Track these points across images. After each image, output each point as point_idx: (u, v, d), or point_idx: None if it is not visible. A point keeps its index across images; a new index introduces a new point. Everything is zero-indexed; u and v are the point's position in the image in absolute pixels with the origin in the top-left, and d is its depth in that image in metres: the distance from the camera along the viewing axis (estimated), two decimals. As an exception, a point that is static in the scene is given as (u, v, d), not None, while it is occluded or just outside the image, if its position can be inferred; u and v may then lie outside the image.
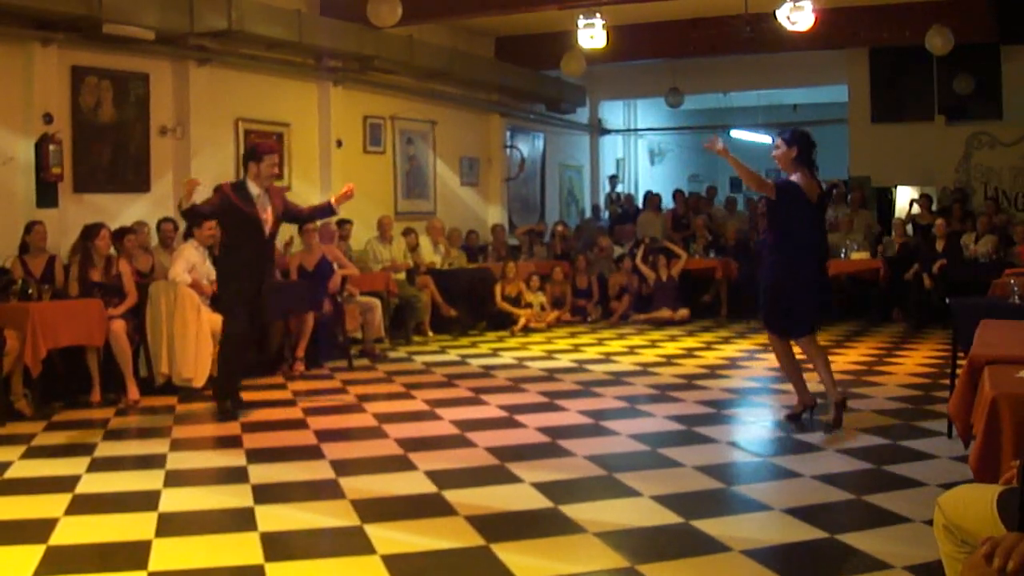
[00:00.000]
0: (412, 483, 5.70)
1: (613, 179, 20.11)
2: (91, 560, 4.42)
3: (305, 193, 12.35)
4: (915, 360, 10.15)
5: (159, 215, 10.12)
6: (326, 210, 8.52)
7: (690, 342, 11.87)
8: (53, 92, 9.45)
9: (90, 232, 8.56)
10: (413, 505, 5.29)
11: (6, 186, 9.18)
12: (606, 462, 6.12)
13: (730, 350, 11.18)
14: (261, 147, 8.06)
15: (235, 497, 5.43)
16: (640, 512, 5.09)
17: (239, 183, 7.88)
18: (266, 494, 5.47)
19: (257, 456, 6.38)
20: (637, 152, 21.93)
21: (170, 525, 4.92)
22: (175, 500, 5.39)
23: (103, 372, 8.34)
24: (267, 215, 7.76)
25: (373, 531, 4.78)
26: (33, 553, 4.45)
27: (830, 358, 9.96)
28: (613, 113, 20.84)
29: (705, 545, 4.54)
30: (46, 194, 9.33)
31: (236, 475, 5.93)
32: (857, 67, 16.48)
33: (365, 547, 4.56)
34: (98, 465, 6.19)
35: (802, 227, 6.99)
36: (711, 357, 10.67)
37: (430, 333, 12.50)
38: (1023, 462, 2.78)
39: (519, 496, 5.42)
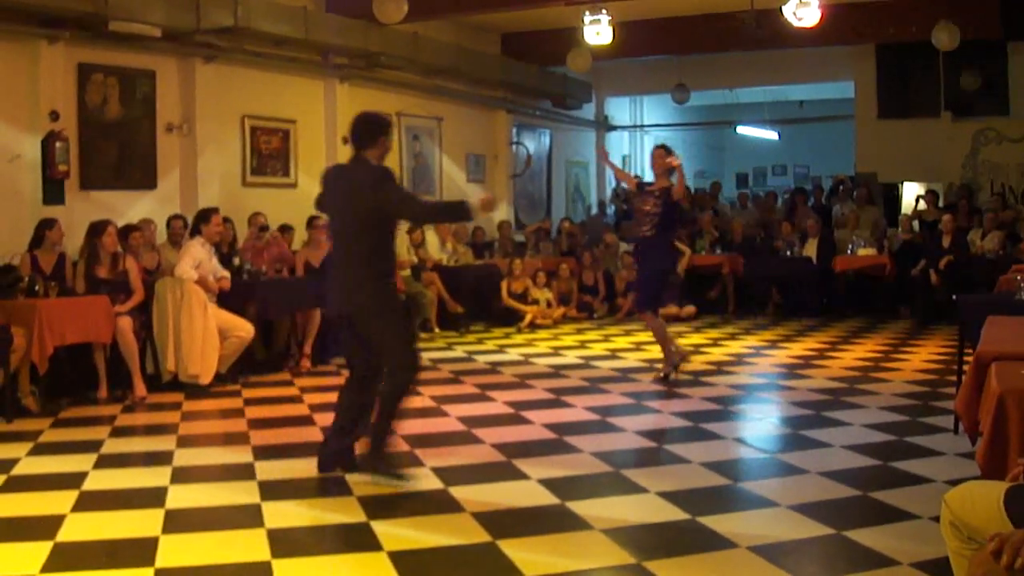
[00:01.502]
0: (418, 479, 5.70)
1: (619, 175, 20.07)
2: (98, 557, 4.43)
3: (311, 191, 12.36)
4: (921, 356, 10.14)
5: (166, 212, 10.12)
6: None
7: (696, 338, 11.86)
8: (59, 89, 9.46)
9: (97, 229, 8.56)
10: (419, 501, 5.30)
11: (13, 184, 9.19)
12: (612, 458, 6.12)
13: (736, 346, 11.17)
14: (383, 116, 6.10)
15: (242, 493, 5.44)
16: (646, 508, 5.09)
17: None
18: (273, 490, 5.48)
19: (264, 452, 6.39)
20: (643, 148, 21.89)
21: (177, 521, 4.93)
22: (182, 496, 5.40)
23: (110, 369, 8.35)
24: None
25: (380, 527, 4.78)
26: (40, 550, 4.47)
27: (837, 354, 10.03)
28: (619, 109, 20.81)
29: (711, 541, 4.54)
30: (53, 191, 9.35)
31: (243, 471, 5.94)
32: (863, 63, 16.45)
33: (372, 543, 4.56)
34: (105, 462, 6.21)
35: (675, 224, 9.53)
36: (717, 353, 10.66)
37: (436, 329, 12.50)
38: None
39: (525, 492, 5.42)
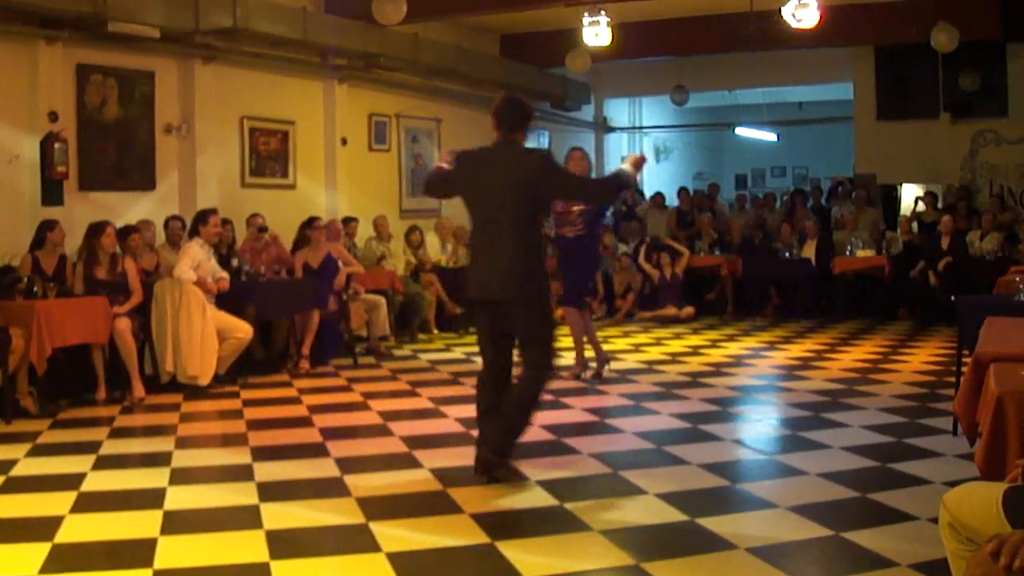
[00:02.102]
0: (417, 481, 5.71)
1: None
2: (97, 558, 4.43)
3: (310, 193, 12.38)
4: (920, 358, 10.14)
5: (164, 213, 10.11)
6: None
7: (695, 340, 11.86)
8: (58, 90, 9.46)
9: (95, 230, 8.56)
10: (418, 503, 5.29)
11: (12, 185, 9.19)
12: (611, 460, 6.12)
13: (735, 347, 11.17)
14: (527, 100, 6.26)
15: (240, 495, 5.44)
16: (645, 510, 5.09)
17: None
18: (271, 492, 5.48)
19: (262, 454, 6.38)
20: (642, 150, 21.89)
21: (175, 523, 4.92)
22: (180, 498, 5.40)
23: (108, 370, 8.35)
24: None
25: (378, 528, 4.78)
26: (39, 551, 4.46)
27: (835, 356, 10.03)
28: (618, 111, 20.81)
29: (710, 543, 4.54)
30: (51, 192, 9.34)
31: (241, 473, 5.93)
32: (862, 64, 16.45)
33: (370, 545, 4.56)
34: (103, 463, 6.20)
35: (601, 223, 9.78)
36: (716, 355, 10.66)
37: (435, 331, 12.49)
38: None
39: (524, 494, 5.42)
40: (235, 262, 9.70)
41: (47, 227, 8.44)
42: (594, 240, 9.24)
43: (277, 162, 12.00)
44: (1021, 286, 6.86)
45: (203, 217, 9.19)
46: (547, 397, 8.22)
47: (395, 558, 4.36)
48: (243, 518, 5.01)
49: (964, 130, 15.62)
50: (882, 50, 16.10)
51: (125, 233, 9.11)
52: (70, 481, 5.71)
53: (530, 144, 6.14)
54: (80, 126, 9.74)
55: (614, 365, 9.94)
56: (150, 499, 5.33)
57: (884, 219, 15.32)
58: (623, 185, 6.07)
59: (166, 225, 9.83)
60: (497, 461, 5.59)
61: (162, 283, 8.76)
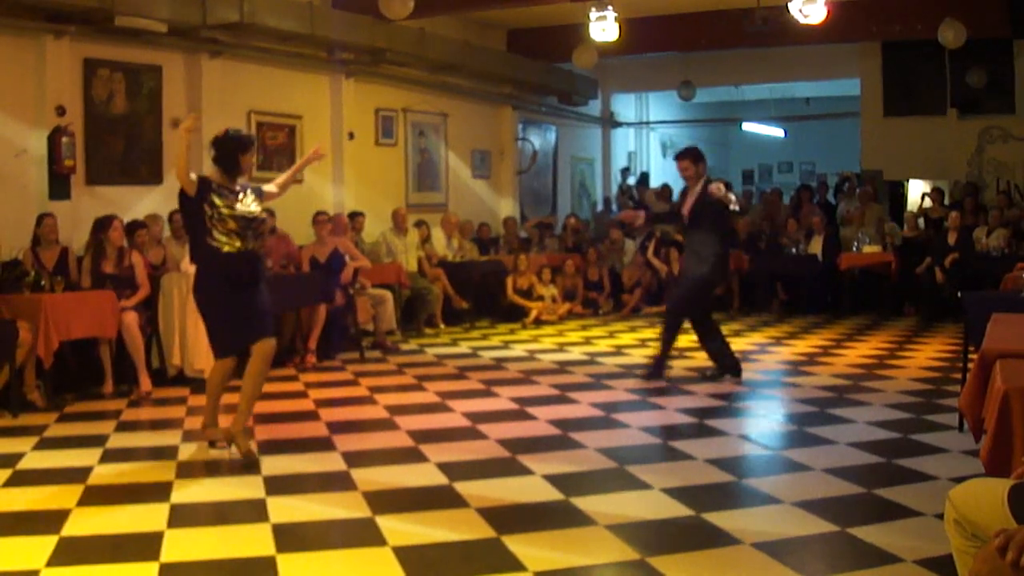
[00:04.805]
0: (423, 475, 5.72)
1: (625, 172, 20.09)
2: (103, 551, 4.44)
3: (317, 186, 12.38)
4: (926, 354, 10.13)
5: (172, 207, 10.09)
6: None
7: (701, 335, 11.83)
8: (66, 85, 9.46)
9: (102, 224, 8.58)
10: (424, 497, 5.30)
11: (19, 178, 9.20)
12: (617, 455, 6.13)
13: (741, 343, 11.15)
14: None
15: (247, 488, 5.46)
16: (651, 505, 5.10)
17: None
18: (278, 486, 5.49)
19: (269, 448, 6.40)
20: (649, 145, 21.90)
21: (182, 516, 4.94)
22: (187, 491, 5.42)
23: (115, 364, 8.37)
24: None
25: (384, 523, 4.79)
26: (45, 544, 4.48)
27: (841, 351, 10.01)
28: (625, 106, 20.80)
29: (715, 538, 4.55)
30: (58, 186, 9.36)
31: (248, 466, 5.94)
32: (869, 60, 16.42)
33: (376, 538, 4.57)
34: (110, 456, 6.23)
35: None
36: (722, 350, 10.64)
37: (441, 325, 12.51)
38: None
39: (530, 488, 5.43)
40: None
41: (37, 222, 8.50)
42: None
43: (284, 156, 11.99)
44: (1028, 282, 6.85)
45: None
46: (551, 392, 8.30)
47: (401, 552, 4.37)
48: (249, 512, 5.03)
49: (971, 126, 15.58)
50: (889, 46, 16.06)
51: (133, 227, 9.13)
52: (77, 474, 5.73)
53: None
54: (87, 120, 9.75)
55: (619, 360, 9.96)
56: (157, 492, 5.35)
57: (891, 215, 15.29)
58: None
59: (170, 219, 9.84)
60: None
61: (169, 277, 8.78)
